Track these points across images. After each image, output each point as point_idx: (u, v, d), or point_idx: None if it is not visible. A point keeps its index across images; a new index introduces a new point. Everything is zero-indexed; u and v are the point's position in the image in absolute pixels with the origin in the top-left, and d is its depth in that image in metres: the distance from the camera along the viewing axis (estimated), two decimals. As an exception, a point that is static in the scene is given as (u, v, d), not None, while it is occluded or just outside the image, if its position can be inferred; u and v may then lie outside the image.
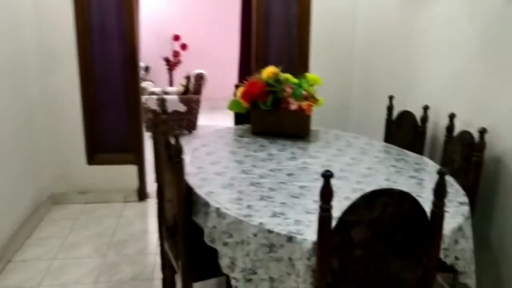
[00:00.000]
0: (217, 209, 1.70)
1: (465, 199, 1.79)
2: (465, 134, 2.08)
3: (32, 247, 3.12)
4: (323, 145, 2.63)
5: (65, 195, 3.83)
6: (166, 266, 2.41)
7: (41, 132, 3.61)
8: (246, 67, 4.06)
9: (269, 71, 2.73)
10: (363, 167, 2.22)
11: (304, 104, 2.68)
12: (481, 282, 2.01)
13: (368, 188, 1.34)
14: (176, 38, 8.29)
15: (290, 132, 2.73)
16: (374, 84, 3.52)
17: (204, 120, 6.86)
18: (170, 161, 1.87)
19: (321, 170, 1.97)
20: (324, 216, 1.32)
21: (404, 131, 2.67)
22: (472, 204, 1.94)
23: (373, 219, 1.34)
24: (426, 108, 2.49)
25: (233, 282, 1.60)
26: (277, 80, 2.71)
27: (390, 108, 2.82)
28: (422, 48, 2.79)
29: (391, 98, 2.83)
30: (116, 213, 3.70)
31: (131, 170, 3.90)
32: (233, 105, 2.87)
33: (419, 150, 2.51)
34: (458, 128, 2.25)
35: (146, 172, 3.97)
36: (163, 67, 8.32)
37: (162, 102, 2.37)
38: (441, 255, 1.50)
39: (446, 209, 1.65)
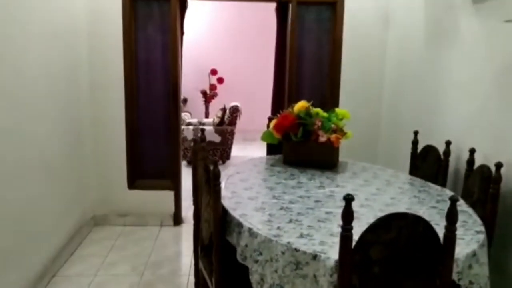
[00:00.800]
0: (250, 229, 1.88)
1: (481, 228, 1.90)
2: (484, 168, 2.20)
3: (75, 263, 3.36)
4: (350, 176, 2.78)
5: (106, 217, 4.09)
6: (199, 285, 2.58)
7: (88, 158, 3.91)
8: (279, 101, 4.27)
9: (301, 105, 2.93)
10: (387, 197, 2.35)
11: (333, 136, 2.84)
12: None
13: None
14: (214, 72, 8.70)
15: (319, 162, 2.89)
16: (401, 119, 3.66)
17: (237, 151, 7.11)
18: (208, 184, 2.07)
19: (346, 198, 2.14)
20: (345, 235, 1.48)
21: (428, 164, 2.79)
22: (490, 234, 2.03)
23: (389, 239, 1.49)
24: (448, 143, 2.61)
25: (262, 297, 1.76)
26: (308, 113, 2.90)
27: (415, 143, 2.96)
28: (444, 85, 2.94)
29: (416, 133, 2.97)
30: (153, 236, 3.91)
31: (168, 195, 4.14)
32: (266, 136, 3.07)
33: (442, 183, 2.62)
34: (479, 162, 2.36)
35: (181, 198, 4.20)
36: (200, 99, 8.70)
37: (201, 131, 2.60)
38: (455, 278, 1.61)
39: (462, 236, 1.80)
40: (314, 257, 1.64)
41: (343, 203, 1.50)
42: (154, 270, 3.30)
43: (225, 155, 6.59)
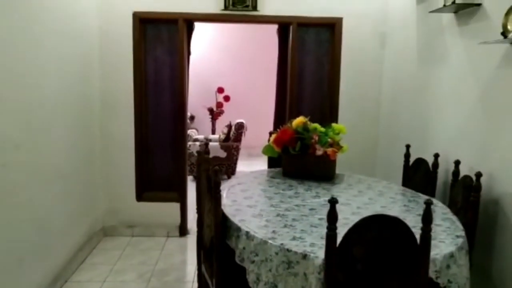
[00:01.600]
0: (247, 232, 2.05)
1: (462, 233, 2.05)
2: (466, 178, 2.36)
3: (86, 270, 3.53)
4: (345, 187, 2.94)
5: (115, 228, 4.27)
6: (202, 288, 2.73)
7: (99, 172, 4.12)
8: (281, 117, 4.46)
9: (299, 120, 3.12)
10: (378, 206, 2.50)
11: (329, 150, 3.02)
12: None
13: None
14: (220, 90, 8.95)
15: (316, 174, 3.05)
16: (396, 134, 3.83)
17: (242, 166, 7.28)
18: (210, 192, 2.25)
19: (340, 207, 2.32)
20: (330, 235, 1.65)
21: (419, 176, 2.95)
22: (471, 239, 2.18)
23: (370, 239, 1.65)
24: (436, 156, 2.78)
25: (258, 294, 1.92)
26: (305, 128, 3.08)
27: (407, 156, 3.12)
28: (434, 102, 3.12)
29: (408, 146, 3.14)
30: (159, 246, 4.08)
31: (175, 207, 4.31)
32: (266, 150, 3.25)
33: (431, 193, 2.77)
34: (465, 172, 2.52)
35: (187, 210, 4.37)
36: (207, 117, 8.94)
37: (205, 145, 2.80)
38: (433, 276, 1.76)
39: (444, 240, 1.96)
40: (304, 256, 1.80)
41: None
42: (160, 277, 3.46)
43: (231, 170, 6.77)
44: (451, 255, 1.84)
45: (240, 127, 6.87)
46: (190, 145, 6.40)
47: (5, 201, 2.49)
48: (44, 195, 3.00)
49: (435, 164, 2.78)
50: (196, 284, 3.00)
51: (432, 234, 1.87)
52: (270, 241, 1.93)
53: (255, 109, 8.53)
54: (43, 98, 2.97)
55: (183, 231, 4.34)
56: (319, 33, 4.21)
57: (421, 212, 2.37)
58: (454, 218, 2.26)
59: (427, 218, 1.65)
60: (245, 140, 7.19)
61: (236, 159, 6.84)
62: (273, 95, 4.71)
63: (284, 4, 4.06)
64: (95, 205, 4.06)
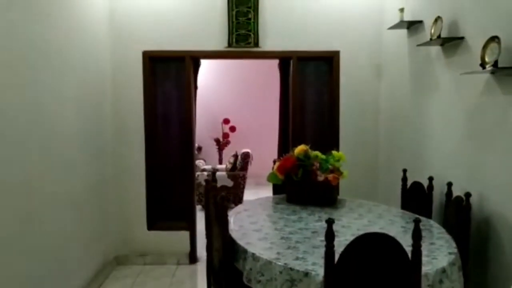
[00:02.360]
0: (253, 254, 2.20)
1: (454, 250, 2.19)
2: (458, 199, 2.51)
3: (100, 299, 3.67)
4: (347, 211, 3.09)
5: (127, 257, 4.42)
6: (212, 312, 2.86)
7: (111, 201, 4.30)
8: (285, 146, 4.65)
9: (300, 148, 3.30)
10: (377, 227, 2.65)
11: (330, 176, 3.19)
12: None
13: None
14: (226, 121, 9.21)
15: (319, 199, 3.21)
16: (394, 159, 4.00)
17: (249, 195, 7.41)
18: (218, 217, 2.42)
19: (341, 229, 2.48)
20: (328, 252, 1.81)
21: (416, 198, 3.10)
22: (465, 255, 2.32)
23: (365, 255, 1.80)
24: (431, 179, 2.94)
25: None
26: (306, 156, 3.26)
27: (404, 180, 3.29)
28: (427, 128, 3.32)
29: (404, 171, 3.30)
30: (170, 273, 4.21)
31: (184, 236, 4.46)
32: (271, 177, 3.43)
33: (428, 214, 2.92)
34: (457, 193, 2.67)
35: (197, 238, 4.52)
36: (214, 147, 9.16)
37: (213, 174, 2.99)
38: (426, 289, 1.91)
39: (436, 256, 2.10)
40: (306, 274, 1.95)
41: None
42: (172, 304, 3.58)
43: (238, 199, 6.92)
44: (443, 270, 1.98)
45: (246, 156, 7.06)
46: (198, 175, 6.58)
47: (26, 229, 2.68)
48: (61, 224, 3.18)
49: (430, 187, 2.94)
50: (206, 309, 3.12)
51: (427, 252, 2.03)
52: (274, 261, 2.08)
53: (260, 139, 8.73)
54: (61, 131, 3.20)
55: (193, 258, 4.47)
56: (318, 65, 4.45)
57: (417, 232, 2.55)
58: (448, 237, 2.40)
59: (416, 234, 1.80)
60: (252, 169, 7.37)
61: (243, 188, 7.00)
62: (277, 124, 4.93)
63: (284, 40, 4.32)
64: (108, 234, 4.23)
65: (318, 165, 3.23)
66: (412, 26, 3.51)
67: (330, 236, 1.81)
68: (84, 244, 3.63)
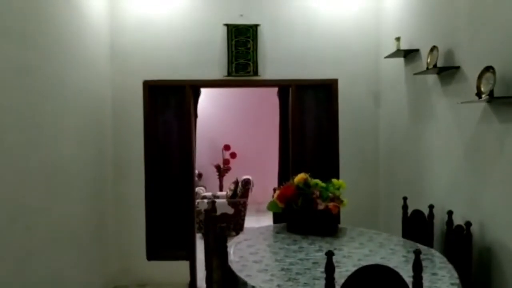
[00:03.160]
0: (253, 287, 2.17)
1: (456, 281, 2.16)
2: (459, 228, 2.50)
3: (98, 332, 3.59)
4: (347, 240, 3.06)
5: (126, 287, 4.36)
6: None
7: (110, 233, 4.28)
8: (285, 173, 4.64)
9: (300, 177, 3.30)
10: (378, 257, 2.62)
11: (331, 204, 3.17)
12: None
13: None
14: (227, 148, 9.23)
15: (319, 228, 3.18)
16: (395, 187, 4.00)
17: (251, 222, 7.37)
18: (217, 249, 2.40)
19: (342, 259, 2.45)
20: (329, 285, 1.79)
21: (417, 227, 3.08)
22: (467, 285, 2.29)
23: (365, 287, 1.78)
24: (431, 207, 2.93)
25: None
26: (306, 184, 3.26)
27: (405, 207, 3.27)
28: (426, 156, 3.33)
29: (405, 199, 3.29)
30: (170, 304, 4.15)
31: (184, 265, 4.41)
32: (271, 206, 3.41)
33: (429, 243, 2.89)
34: (458, 222, 2.66)
35: (197, 267, 4.46)
36: (214, 174, 9.15)
37: (212, 203, 2.98)
38: (428, 323, 1.87)
39: (438, 287, 2.07)
40: (306, 307, 1.92)
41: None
42: (171, 336, 3.51)
43: (238, 227, 6.86)
44: (445, 303, 1.96)
45: (246, 183, 7.04)
46: (198, 203, 6.55)
47: (26, 262, 2.65)
48: (61, 256, 3.15)
49: (431, 215, 2.92)
50: None
51: (429, 283, 2.00)
52: (275, 295, 2.05)
53: (261, 165, 8.73)
54: (62, 163, 3.21)
55: (192, 289, 4.42)
56: (316, 93, 4.50)
57: (419, 263, 2.52)
58: (450, 266, 2.37)
59: (417, 266, 1.78)
60: (253, 195, 7.34)
61: (244, 215, 6.95)
62: (277, 151, 4.94)
63: (283, 69, 4.38)
64: (108, 264, 4.18)
65: (318, 193, 3.22)
66: (409, 54, 3.56)
67: (330, 268, 1.79)
68: (83, 275, 3.59)
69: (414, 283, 1.79)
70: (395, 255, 2.69)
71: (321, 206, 3.17)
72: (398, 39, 3.58)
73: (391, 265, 2.46)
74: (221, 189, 8.89)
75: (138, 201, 4.38)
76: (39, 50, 2.90)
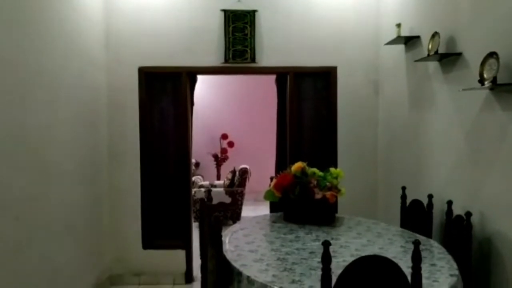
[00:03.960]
0: (248, 277, 2.13)
1: (455, 272, 2.12)
2: (459, 218, 2.45)
3: (93, 321, 3.56)
4: (345, 230, 3.02)
5: (121, 276, 4.32)
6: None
7: (106, 221, 4.23)
8: (282, 162, 4.59)
9: (297, 165, 3.24)
10: (376, 247, 2.58)
11: (328, 194, 3.12)
12: None
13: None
14: (224, 137, 9.16)
15: (316, 218, 3.13)
16: (393, 176, 3.95)
17: (248, 211, 7.33)
18: (212, 238, 2.35)
19: (339, 249, 2.41)
20: (325, 276, 1.74)
21: (416, 217, 3.03)
22: (468, 277, 2.25)
23: (364, 279, 1.73)
24: (430, 197, 2.88)
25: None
26: (303, 173, 3.21)
27: (403, 197, 3.22)
28: (425, 145, 3.27)
29: (403, 188, 3.24)
30: (165, 294, 4.12)
31: (180, 254, 4.37)
32: (267, 195, 3.36)
33: (428, 233, 2.85)
34: (458, 212, 2.61)
35: (193, 257, 4.43)
36: (212, 163, 9.09)
37: (208, 192, 2.92)
38: (427, 315, 1.83)
39: (438, 279, 2.03)
40: (302, 298, 1.88)
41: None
42: (166, 326, 3.48)
43: (236, 216, 6.84)
44: (444, 294, 1.91)
45: (244, 172, 7.00)
46: (195, 192, 6.51)
47: (17, 253, 2.60)
48: (54, 246, 3.10)
49: (430, 205, 2.87)
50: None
51: (427, 274, 1.96)
52: (270, 285, 2.00)
53: (259, 154, 8.67)
54: (55, 152, 3.14)
55: (189, 278, 4.38)
56: (315, 81, 4.42)
57: (417, 253, 2.47)
58: (449, 257, 2.33)
59: (416, 257, 1.73)
60: (250, 184, 7.29)
61: (241, 204, 6.92)
62: (275, 139, 4.88)
63: (281, 56, 4.30)
64: (103, 253, 4.14)
65: (315, 182, 3.17)
66: (410, 41, 3.49)
67: (326, 259, 1.74)
68: (79, 265, 3.55)
69: (413, 274, 1.74)
70: (393, 245, 2.64)
71: (318, 195, 3.12)
72: (398, 25, 3.50)
73: (389, 255, 2.42)
74: (218, 178, 8.84)
75: (133, 190, 4.32)
76: (30, 37, 2.81)
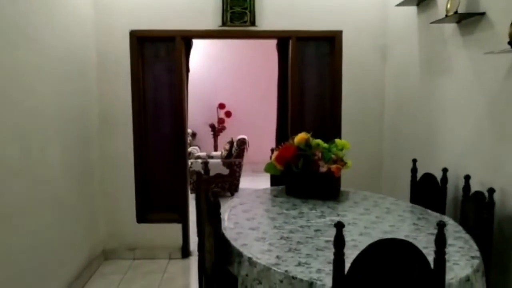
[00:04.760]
0: (249, 259, 1.94)
1: (477, 253, 1.94)
2: (478, 194, 2.25)
3: (85, 297, 3.42)
4: (351, 205, 2.83)
5: (115, 251, 4.16)
6: (204, 316, 2.61)
7: (98, 194, 4.03)
8: (283, 133, 4.38)
9: (301, 137, 3.02)
10: (386, 225, 2.39)
11: (333, 167, 2.92)
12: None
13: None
14: (222, 106, 8.89)
15: (321, 192, 2.94)
16: (401, 148, 3.73)
17: (246, 182, 7.18)
18: (209, 215, 2.15)
19: (347, 227, 2.21)
20: (338, 261, 1.54)
21: (428, 192, 2.84)
22: (487, 258, 2.07)
23: (380, 265, 1.54)
24: (445, 171, 2.67)
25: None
26: (307, 145, 2.99)
27: (414, 171, 3.01)
28: (439, 114, 3.03)
29: (414, 161, 3.03)
30: (161, 269, 3.96)
31: (176, 228, 4.20)
32: (268, 168, 3.15)
33: (441, 210, 2.66)
34: (476, 188, 2.41)
35: (189, 230, 4.26)
36: (209, 133, 8.86)
37: (205, 164, 2.71)
38: (449, 302, 1.65)
39: (458, 262, 1.84)
40: (310, 284, 1.69)
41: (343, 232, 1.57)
42: (162, 303, 3.34)
43: (234, 188, 6.67)
44: (467, 279, 1.73)
45: (242, 143, 6.78)
46: (192, 163, 6.31)
47: (2, 228, 2.40)
48: (42, 220, 2.91)
49: (444, 179, 2.67)
50: (199, 310, 2.88)
51: (446, 256, 1.76)
52: (274, 268, 1.82)
53: (257, 124, 8.45)
54: (40, 120, 2.90)
55: (185, 252, 4.22)
56: (319, 46, 4.15)
57: (432, 231, 2.28)
58: (467, 236, 2.14)
59: (440, 240, 1.54)
60: (248, 156, 7.09)
61: (239, 176, 6.74)
62: (275, 109, 4.65)
63: (283, 19, 4.01)
64: (95, 228, 3.96)
65: (320, 154, 2.96)
66: (423, 2, 3.21)
67: (340, 243, 1.54)
68: (69, 239, 3.37)
69: (436, 260, 1.55)
70: (405, 223, 2.46)
71: (323, 169, 2.92)
72: (411, -16, 3.22)
73: (401, 234, 2.25)
74: (215, 149, 8.64)
75: (126, 161, 4.10)
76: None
